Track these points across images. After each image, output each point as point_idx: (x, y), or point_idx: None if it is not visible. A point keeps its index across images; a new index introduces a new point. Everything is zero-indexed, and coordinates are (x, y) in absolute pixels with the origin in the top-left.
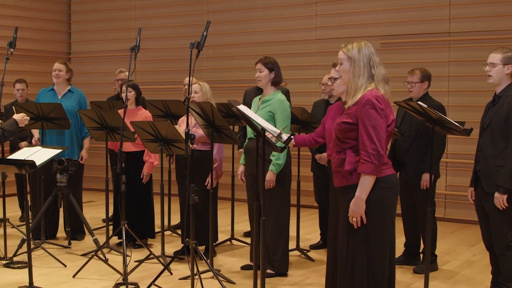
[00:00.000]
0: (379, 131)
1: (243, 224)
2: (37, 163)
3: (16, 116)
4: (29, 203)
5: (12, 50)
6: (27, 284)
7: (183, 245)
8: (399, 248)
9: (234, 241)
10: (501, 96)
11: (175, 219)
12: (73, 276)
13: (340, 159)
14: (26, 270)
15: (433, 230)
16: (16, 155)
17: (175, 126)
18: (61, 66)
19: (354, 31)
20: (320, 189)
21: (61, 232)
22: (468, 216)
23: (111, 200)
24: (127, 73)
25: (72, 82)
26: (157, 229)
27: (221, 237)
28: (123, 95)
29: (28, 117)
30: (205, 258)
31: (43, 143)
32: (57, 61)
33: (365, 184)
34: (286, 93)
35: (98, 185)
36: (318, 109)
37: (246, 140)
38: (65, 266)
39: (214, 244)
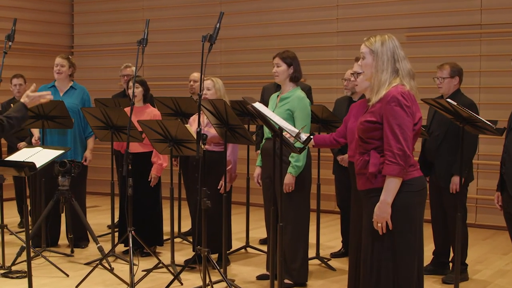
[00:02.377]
0: (405, 130)
1: (259, 231)
2: (38, 165)
3: (24, 98)
4: (29, 208)
5: (10, 43)
6: None
7: (194, 253)
8: (428, 256)
9: (249, 249)
10: None
11: (186, 225)
12: (76, 287)
13: (363, 161)
14: (26, 280)
15: (464, 237)
16: (15, 157)
17: (185, 125)
18: (63, 61)
19: (378, 23)
20: (342, 193)
21: (63, 239)
22: (500, 222)
23: (116, 205)
24: (133, 68)
25: (75, 78)
26: (166, 236)
27: (235, 244)
28: (130, 91)
29: (44, 94)
30: (218, 267)
31: (43, 143)
32: (59, 56)
33: (391, 187)
34: (308, 90)
35: (103, 189)
36: (340, 106)
37: (263, 141)
38: (68, 275)
39: (227, 252)
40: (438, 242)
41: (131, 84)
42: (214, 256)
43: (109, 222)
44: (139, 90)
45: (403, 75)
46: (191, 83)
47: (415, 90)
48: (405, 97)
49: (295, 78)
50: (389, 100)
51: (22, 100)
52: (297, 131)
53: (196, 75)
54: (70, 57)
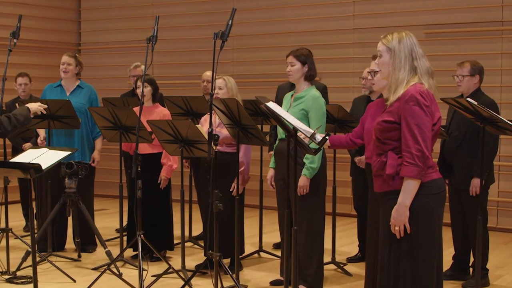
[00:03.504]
0: (424, 130)
1: (273, 235)
2: (43, 167)
3: (30, 104)
4: (35, 211)
5: (15, 40)
6: None
7: (205, 258)
8: (447, 261)
9: (262, 254)
10: None
11: (197, 229)
12: None
13: (380, 162)
14: (31, 286)
15: (484, 241)
16: (20, 158)
17: (196, 125)
18: (70, 59)
19: (396, 20)
20: (359, 195)
21: (70, 244)
22: None
23: (125, 208)
24: (143, 67)
25: (82, 77)
26: (176, 240)
27: (248, 249)
28: (139, 91)
29: (44, 107)
30: (230, 273)
31: (50, 144)
32: (65, 54)
33: (409, 189)
34: (323, 90)
35: (111, 191)
36: (358, 106)
37: (277, 141)
38: (75, 281)
39: (240, 256)
40: (457, 246)
41: (139, 83)
42: (226, 261)
43: (118, 226)
44: (148, 90)
45: (421, 74)
46: (204, 83)
47: (434, 88)
48: (424, 96)
49: (310, 77)
50: (407, 99)
51: (28, 105)
52: (312, 131)
53: (209, 74)
54: (77, 55)
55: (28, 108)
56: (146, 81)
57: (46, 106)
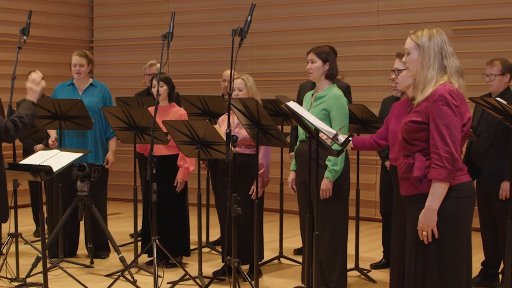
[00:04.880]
0: (453, 131)
1: (294, 240)
2: (55, 169)
3: (29, 95)
4: (45, 216)
5: (25, 37)
6: None
7: (223, 264)
8: (476, 267)
9: (282, 260)
10: None
11: (214, 234)
12: None
13: (407, 164)
14: None
15: None
16: (30, 160)
17: (214, 126)
18: (81, 59)
19: (421, 16)
20: (387, 200)
21: (82, 249)
22: None
23: (140, 212)
24: (158, 65)
25: (95, 75)
26: (193, 246)
27: (268, 254)
28: (154, 90)
29: (40, 74)
30: (249, 279)
31: (61, 145)
32: (75, 53)
33: (437, 192)
34: (346, 89)
35: (125, 195)
36: (388, 106)
37: (298, 143)
38: None
39: (259, 263)
40: (487, 251)
41: (155, 82)
42: (245, 267)
43: (132, 231)
44: (163, 89)
45: (451, 73)
46: (226, 83)
47: (464, 88)
48: (453, 96)
49: (331, 75)
50: (436, 98)
51: (28, 97)
52: (335, 132)
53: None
54: (88, 53)
55: (32, 102)
56: (161, 80)
57: (40, 74)
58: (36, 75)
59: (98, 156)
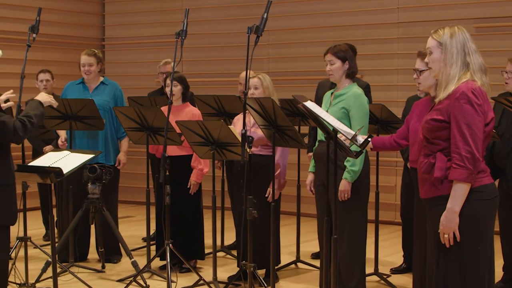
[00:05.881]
0: (475, 131)
1: (311, 244)
2: (65, 171)
3: (39, 97)
4: (55, 219)
5: (34, 35)
6: None
7: (239, 268)
8: (497, 272)
9: (300, 264)
10: None
11: (230, 238)
12: None
13: (428, 164)
14: None
15: None
16: (40, 161)
17: (229, 126)
18: (90, 59)
19: (443, 13)
20: (408, 201)
21: (93, 253)
22: None
23: (152, 215)
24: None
25: (107, 74)
26: (207, 250)
27: (285, 259)
28: (168, 89)
29: (55, 102)
30: (266, 285)
31: (72, 146)
32: (84, 52)
33: (458, 193)
34: (366, 88)
35: (137, 197)
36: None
37: (316, 144)
38: None
39: (276, 267)
40: (508, 256)
41: (169, 81)
42: (261, 272)
43: (144, 234)
44: (177, 88)
45: (474, 70)
46: (242, 86)
47: (487, 86)
48: (476, 94)
49: (352, 74)
50: (458, 96)
51: (37, 98)
52: (354, 133)
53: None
54: (96, 51)
55: (39, 101)
56: (175, 79)
57: (56, 103)
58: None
59: (109, 156)
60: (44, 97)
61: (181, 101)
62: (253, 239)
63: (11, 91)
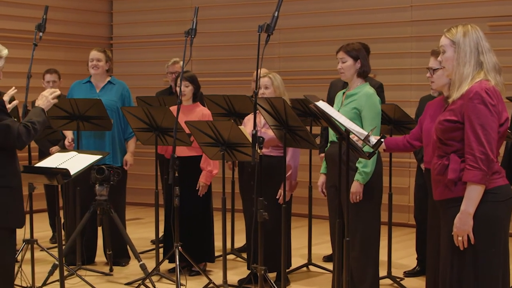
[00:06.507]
0: (489, 131)
1: (323, 247)
2: (72, 172)
3: (39, 101)
4: (62, 221)
5: (41, 34)
6: None
7: (249, 271)
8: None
9: (311, 267)
10: None
11: (240, 240)
12: None
13: (442, 165)
14: None
15: None
16: (46, 162)
17: (239, 126)
18: (99, 54)
19: (457, 11)
20: (422, 203)
21: (100, 256)
22: None
23: (161, 217)
24: (182, 63)
25: (114, 73)
26: (217, 253)
27: (296, 262)
28: (179, 89)
29: (58, 92)
30: None
31: (78, 147)
32: (94, 49)
33: (472, 195)
34: (379, 88)
35: (145, 199)
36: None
37: (328, 144)
38: None
39: (287, 270)
40: None
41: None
42: (272, 275)
43: (153, 237)
44: (189, 89)
45: (487, 69)
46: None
47: (501, 86)
48: (489, 94)
49: (364, 73)
50: (472, 96)
51: (38, 104)
52: (366, 133)
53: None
54: (106, 50)
55: (41, 109)
56: (187, 79)
57: (58, 92)
58: (55, 91)
59: (116, 157)
60: (45, 103)
61: (192, 101)
62: (264, 242)
63: (13, 88)
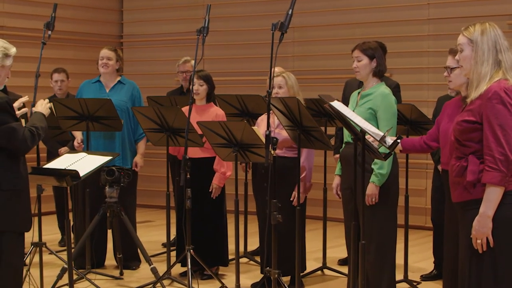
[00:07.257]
0: (508, 132)
1: (338, 250)
2: (82, 174)
3: (38, 108)
4: (71, 224)
5: (49, 32)
6: None
7: (263, 275)
8: None
9: (326, 271)
10: None
11: (253, 243)
12: None
13: (460, 167)
14: None
15: None
16: (55, 164)
17: (252, 127)
18: (110, 53)
19: (475, 9)
20: (439, 206)
21: (110, 260)
22: None
23: (173, 220)
24: (193, 62)
25: (124, 73)
26: (230, 256)
27: (310, 265)
28: (194, 87)
29: (48, 103)
30: None
31: (88, 148)
32: (105, 47)
33: (491, 197)
34: (395, 88)
35: (156, 201)
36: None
37: (343, 145)
38: None
39: (301, 274)
40: None
41: (195, 80)
42: (286, 279)
43: (164, 240)
44: (203, 88)
45: (506, 68)
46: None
47: None
48: (508, 94)
49: (379, 73)
50: (490, 96)
51: (38, 110)
52: (382, 134)
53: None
54: (117, 49)
55: (43, 114)
56: (202, 78)
57: (48, 103)
58: (45, 102)
59: (126, 159)
60: (44, 109)
61: (205, 101)
62: (278, 245)
63: (26, 97)
